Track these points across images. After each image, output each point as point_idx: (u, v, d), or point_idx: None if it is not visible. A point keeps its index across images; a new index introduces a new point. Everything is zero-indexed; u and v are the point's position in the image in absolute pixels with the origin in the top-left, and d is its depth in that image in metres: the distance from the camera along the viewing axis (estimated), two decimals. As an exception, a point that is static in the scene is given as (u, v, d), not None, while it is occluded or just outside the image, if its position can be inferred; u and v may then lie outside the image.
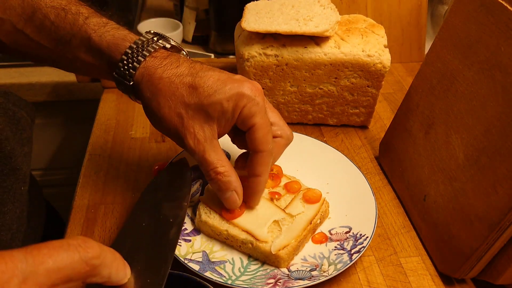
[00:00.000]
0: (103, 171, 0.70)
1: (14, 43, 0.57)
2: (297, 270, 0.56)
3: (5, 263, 0.33)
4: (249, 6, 0.75)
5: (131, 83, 0.54)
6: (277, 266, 0.56)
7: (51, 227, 0.76)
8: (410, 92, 0.68)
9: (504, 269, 0.53)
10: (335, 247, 0.59)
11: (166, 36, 0.56)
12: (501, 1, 0.53)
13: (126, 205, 0.65)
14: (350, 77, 0.75)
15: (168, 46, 0.56)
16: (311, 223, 0.59)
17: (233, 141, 0.60)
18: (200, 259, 0.56)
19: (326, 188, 0.67)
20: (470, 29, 0.57)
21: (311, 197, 0.62)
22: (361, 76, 0.75)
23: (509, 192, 0.49)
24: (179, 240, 0.57)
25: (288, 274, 0.55)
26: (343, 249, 0.58)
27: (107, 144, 0.76)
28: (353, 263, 0.56)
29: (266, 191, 0.63)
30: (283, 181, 0.65)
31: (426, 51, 0.76)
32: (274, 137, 0.56)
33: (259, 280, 0.54)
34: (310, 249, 0.59)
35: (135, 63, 0.53)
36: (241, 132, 0.55)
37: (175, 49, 0.57)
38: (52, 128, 1.19)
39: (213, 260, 0.56)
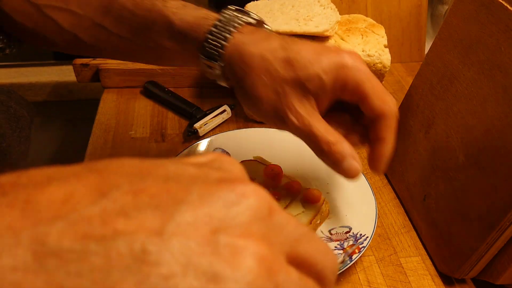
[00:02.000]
0: (103, 171, 0.70)
1: (94, 39, 0.55)
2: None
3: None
4: (249, 6, 0.75)
5: (222, 64, 0.50)
6: (277, 266, 0.56)
7: None
8: (410, 92, 0.68)
9: (504, 269, 0.53)
10: (335, 247, 0.59)
11: (248, 11, 0.52)
12: (501, 1, 0.53)
13: (126, 205, 0.65)
14: (350, 77, 0.75)
15: (253, 21, 0.51)
16: (311, 223, 0.59)
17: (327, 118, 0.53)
18: (200, 259, 0.56)
19: (326, 188, 0.67)
20: (470, 29, 0.57)
21: (311, 197, 0.62)
22: (361, 76, 0.74)
23: (509, 192, 0.49)
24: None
25: (288, 274, 0.55)
26: (343, 249, 0.58)
27: (107, 144, 0.75)
28: (353, 263, 0.55)
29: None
30: (283, 181, 0.65)
31: (426, 51, 0.76)
32: None
33: (259, 280, 0.54)
34: (310, 249, 0.59)
35: (221, 41, 0.49)
36: (338, 109, 0.51)
37: (259, 24, 0.53)
38: (52, 128, 1.19)
39: (213, 260, 0.56)
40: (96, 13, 0.53)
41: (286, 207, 0.61)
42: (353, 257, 0.56)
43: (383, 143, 0.50)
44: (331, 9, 0.73)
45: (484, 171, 0.53)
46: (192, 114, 0.80)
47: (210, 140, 0.72)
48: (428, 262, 0.60)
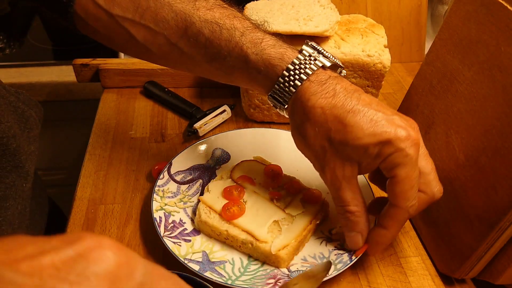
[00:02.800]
0: (103, 171, 0.70)
1: (165, 54, 0.56)
2: (297, 270, 0.56)
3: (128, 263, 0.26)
4: (249, 6, 0.75)
5: (285, 106, 0.53)
6: (277, 266, 0.56)
7: (53, 223, 0.76)
8: (410, 92, 0.68)
9: (504, 269, 0.53)
10: (335, 247, 0.59)
11: (324, 51, 0.53)
12: (501, 1, 0.53)
13: (126, 205, 0.65)
14: (350, 77, 0.75)
15: (327, 64, 0.52)
16: (311, 223, 0.59)
17: (372, 180, 0.57)
18: (200, 259, 0.56)
19: (326, 188, 0.67)
20: (470, 29, 0.57)
21: (311, 197, 0.62)
22: (361, 76, 0.75)
23: (509, 192, 0.49)
24: (179, 240, 0.57)
25: (288, 274, 0.55)
26: (343, 249, 0.58)
27: (107, 144, 0.76)
28: (353, 263, 0.55)
29: (266, 191, 0.63)
30: (283, 181, 0.65)
31: (426, 51, 0.76)
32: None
33: (259, 280, 0.54)
34: (310, 249, 0.59)
35: (291, 88, 0.51)
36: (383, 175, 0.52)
37: (334, 67, 0.54)
38: (52, 128, 1.19)
39: (213, 260, 0.56)
40: (172, 33, 0.54)
41: (286, 207, 0.61)
42: (353, 257, 0.56)
43: (385, 230, 0.53)
44: (331, 9, 0.73)
45: (484, 171, 0.53)
46: (192, 114, 0.80)
47: (210, 140, 0.72)
48: (428, 262, 0.60)
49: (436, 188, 0.53)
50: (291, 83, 0.51)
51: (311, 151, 0.52)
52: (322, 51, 0.53)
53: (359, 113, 0.49)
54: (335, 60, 0.53)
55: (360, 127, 0.48)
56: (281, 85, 0.51)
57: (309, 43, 0.53)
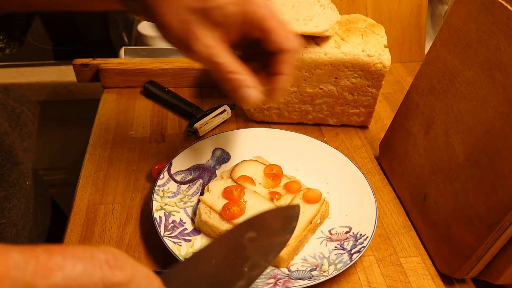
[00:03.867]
0: (103, 171, 0.70)
1: None
2: (297, 270, 0.56)
3: None
4: (249, 6, 0.75)
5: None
6: (277, 266, 0.56)
7: (56, 224, 0.76)
8: (410, 92, 0.68)
9: (504, 269, 0.53)
10: (335, 247, 0.59)
11: None
12: (501, 1, 0.53)
13: (126, 205, 0.65)
14: (350, 77, 0.75)
15: None
16: (311, 223, 0.59)
17: (239, 49, 0.56)
18: (200, 259, 0.56)
19: (326, 188, 0.67)
20: (470, 29, 0.57)
21: (311, 197, 0.62)
22: (361, 76, 0.75)
23: (509, 192, 0.49)
24: (179, 240, 0.57)
25: (288, 274, 0.55)
26: (343, 249, 0.58)
27: (107, 144, 0.76)
28: (353, 263, 0.55)
29: (266, 191, 0.63)
30: (283, 181, 0.65)
31: (426, 51, 0.76)
32: None
33: (259, 280, 0.54)
34: (310, 249, 0.59)
35: None
36: (251, 43, 0.53)
37: None
38: (52, 128, 1.19)
39: (213, 260, 0.56)
40: None
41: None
42: (353, 257, 0.56)
43: (283, 76, 0.52)
44: (331, 9, 0.73)
45: (484, 171, 0.53)
46: (192, 114, 0.80)
47: (210, 140, 0.72)
48: (428, 262, 0.60)
49: (296, 40, 0.54)
50: None
51: (175, 31, 0.51)
52: None
53: None
54: None
55: None
56: None
57: None
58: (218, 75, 0.51)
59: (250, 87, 0.51)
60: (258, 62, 0.56)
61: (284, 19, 0.53)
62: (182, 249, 0.56)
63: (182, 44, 0.51)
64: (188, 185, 0.66)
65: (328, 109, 0.80)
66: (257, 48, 0.54)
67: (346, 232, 0.61)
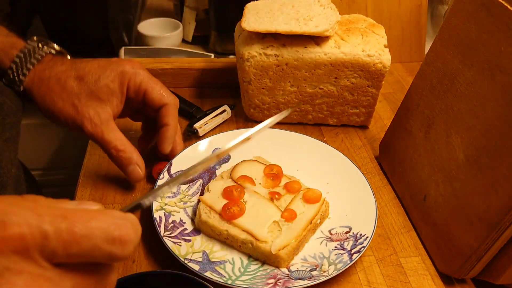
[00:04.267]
0: (103, 171, 0.70)
1: None
2: (297, 270, 0.56)
3: (14, 214, 0.25)
4: (249, 6, 0.75)
5: (21, 89, 0.58)
6: (277, 266, 0.56)
7: None
8: (410, 92, 0.68)
9: (504, 269, 0.53)
10: (335, 247, 0.59)
11: (49, 41, 0.61)
12: (501, 1, 0.53)
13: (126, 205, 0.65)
14: (350, 77, 0.75)
15: (53, 52, 0.61)
16: (311, 223, 0.59)
17: (133, 118, 0.67)
18: (200, 259, 0.56)
19: (326, 188, 0.67)
20: (470, 29, 0.57)
21: (311, 197, 0.62)
22: (361, 76, 0.75)
23: (509, 192, 0.49)
24: (179, 240, 0.57)
25: (288, 274, 0.55)
26: (343, 249, 0.58)
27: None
28: (353, 263, 0.55)
29: (266, 191, 0.63)
30: (283, 181, 0.65)
31: (426, 51, 0.76)
32: None
33: (259, 280, 0.54)
34: (310, 249, 0.59)
35: (24, 70, 0.58)
36: (139, 107, 0.63)
37: (60, 54, 0.63)
38: (52, 128, 1.19)
39: (213, 260, 0.56)
40: None
41: (286, 207, 0.61)
42: (353, 257, 0.56)
43: (167, 126, 0.62)
44: (331, 9, 0.73)
45: (484, 171, 0.53)
46: (192, 114, 0.80)
47: (210, 140, 0.72)
48: (428, 262, 0.60)
49: (172, 96, 0.65)
50: (24, 67, 0.58)
51: (65, 115, 0.58)
52: (47, 41, 0.61)
53: (86, 65, 0.60)
54: (60, 48, 0.63)
55: (94, 73, 0.59)
56: (14, 70, 0.58)
57: (35, 38, 0.61)
58: (107, 151, 0.60)
59: (139, 165, 0.61)
60: (145, 122, 0.68)
61: (157, 80, 0.64)
62: (182, 249, 0.56)
63: (75, 126, 0.59)
64: (188, 185, 0.66)
65: (328, 109, 0.80)
66: (143, 111, 0.64)
67: (346, 232, 0.61)
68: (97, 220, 0.27)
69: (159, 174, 0.65)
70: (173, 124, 0.63)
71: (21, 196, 0.28)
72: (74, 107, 0.58)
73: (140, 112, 0.67)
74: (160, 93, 0.62)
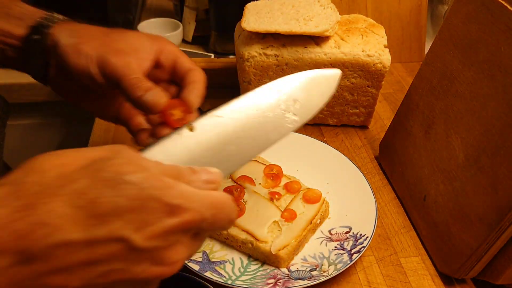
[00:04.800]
0: (103, 171, 0.70)
1: None
2: (297, 270, 0.56)
3: (189, 201, 0.33)
4: (249, 6, 0.75)
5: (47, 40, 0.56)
6: (277, 266, 0.56)
7: None
8: (410, 92, 0.68)
9: (504, 269, 0.53)
10: (335, 247, 0.59)
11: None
12: (501, 1, 0.53)
13: (126, 205, 0.65)
14: (350, 77, 0.75)
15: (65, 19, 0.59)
16: (311, 223, 0.59)
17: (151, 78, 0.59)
18: (200, 259, 0.56)
19: (326, 188, 0.67)
20: (470, 29, 0.57)
21: (311, 197, 0.62)
22: (361, 76, 0.75)
23: (509, 192, 0.49)
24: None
25: (288, 274, 0.55)
26: (343, 249, 0.58)
27: (107, 144, 0.75)
28: (353, 263, 0.55)
29: (266, 191, 0.63)
30: (283, 181, 0.65)
31: (426, 51, 0.76)
32: None
33: (259, 280, 0.54)
34: (310, 249, 0.59)
35: (53, 23, 0.56)
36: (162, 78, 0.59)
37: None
38: (52, 128, 1.19)
39: (213, 260, 0.56)
40: None
41: (286, 207, 0.61)
42: (353, 257, 0.56)
43: (196, 81, 0.58)
44: (331, 9, 0.73)
45: (484, 171, 0.53)
46: (192, 114, 0.80)
47: (210, 140, 0.72)
48: (428, 262, 0.60)
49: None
50: (47, 24, 0.56)
51: (91, 58, 0.54)
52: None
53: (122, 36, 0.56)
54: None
55: (122, 31, 0.56)
56: (41, 23, 0.56)
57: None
58: (129, 89, 0.54)
59: (156, 90, 0.54)
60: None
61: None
62: (182, 249, 0.56)
63: (100, 62, 0.54)
64: (188, 185, 0.66)
65: (328, 109, 0.80)
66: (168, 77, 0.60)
67: (346, 232, 0.61)
68: (232, 211, 0.36)
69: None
70: (202, 81, 0.58)
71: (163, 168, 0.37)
72: (101, 49, 0.54)
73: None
74: (190, 61, 0.59)
